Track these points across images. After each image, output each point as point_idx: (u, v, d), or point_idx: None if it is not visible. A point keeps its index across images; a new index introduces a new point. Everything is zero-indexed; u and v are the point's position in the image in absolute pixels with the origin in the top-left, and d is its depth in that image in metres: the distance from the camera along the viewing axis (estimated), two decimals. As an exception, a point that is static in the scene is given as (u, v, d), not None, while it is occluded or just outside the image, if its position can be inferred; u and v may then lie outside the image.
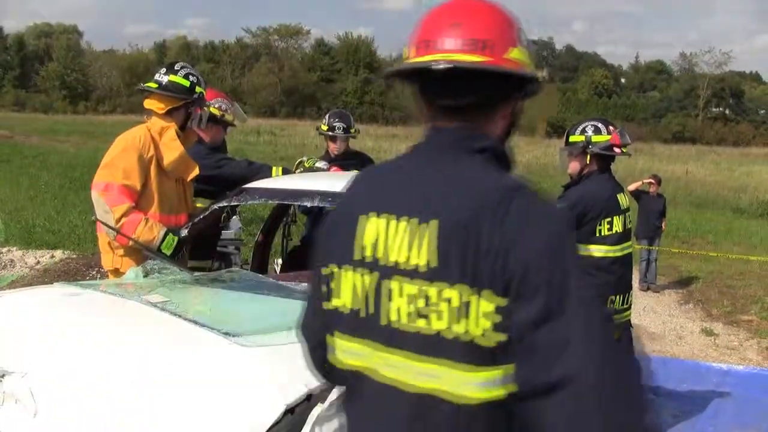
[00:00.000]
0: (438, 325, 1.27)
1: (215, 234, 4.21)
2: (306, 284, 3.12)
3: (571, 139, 4.18)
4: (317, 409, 1.93)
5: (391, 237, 1.34)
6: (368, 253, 1.36)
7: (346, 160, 5.28)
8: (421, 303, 1.29)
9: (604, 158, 4.15)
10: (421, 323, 1.29)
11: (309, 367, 1.60)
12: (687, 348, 7.04)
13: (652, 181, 10.13)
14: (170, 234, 3.52)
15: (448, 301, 1.26)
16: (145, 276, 3.21)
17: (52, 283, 3.49)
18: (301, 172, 4.64)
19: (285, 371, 2.16)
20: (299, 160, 4.84)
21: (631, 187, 9.53)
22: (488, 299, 1.24)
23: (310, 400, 1.98)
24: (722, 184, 25.88)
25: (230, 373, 2.15)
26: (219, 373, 2.14)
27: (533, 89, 1.44)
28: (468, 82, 1.35)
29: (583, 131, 4.15)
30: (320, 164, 4.73)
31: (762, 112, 76.52)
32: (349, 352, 1.41)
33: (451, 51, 1.35)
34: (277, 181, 3.94)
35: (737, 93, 77.10)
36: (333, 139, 5.45)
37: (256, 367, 2.19)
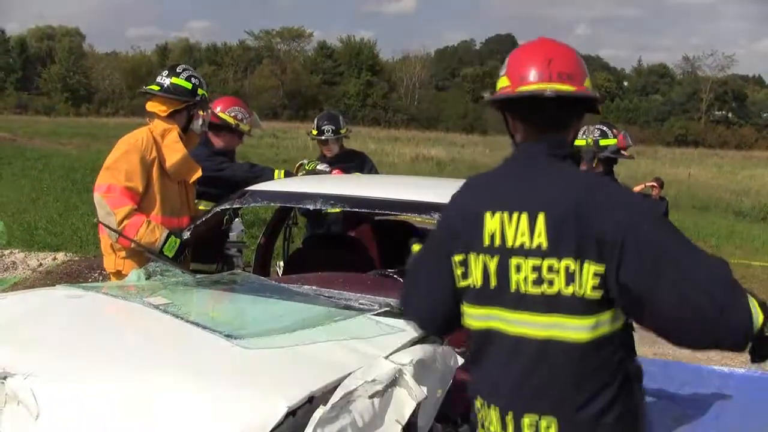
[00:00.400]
0: (554, 288, 1.71)
1: (221, 237, 4.20)
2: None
3: (575, 143, 4.18)
4: (319, 411, 1.93)
5: (508, 228, 1.76)
6: (492, 241, 1.78)
7: (345, 161, 5.26)
8: (539, 274, 1.72)
9: (609, 161, 4.16)
10: (543, 288, 1.72)
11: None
12: (688, 351, 6.98)
13: (655, 184, 10.04)
14: (172, 236, 3.53)
15: (558, 271, 1.70)
16: (147, 278, 3.21)
17: (54, 286, 3.50)
18: (302, 174, 4.64)
19: (287, 373, 2.17)
20: (300, 162, 4.85)
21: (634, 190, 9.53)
22: (588, 267, 1.68)
23: (311, 402, 1.98)
24: (724, 187, 25.79)
25: (232, 375, 2.15)
26: (220, 376, 2.14)
27: (596, 108, 1.92)
28: (558, 105, 1.79)
29: (589, 135, 4.15)
30: (321, 167, 4.74)
31: (765, 115, 76.29)
32: (478, 317, 1.84)
33: (546, 81, 1.77)
34: (279, 184, 3.94)
35: (740, 96, 76.86)
36: (324, 142, 5.41)
37: (257, 369, 2.19)
